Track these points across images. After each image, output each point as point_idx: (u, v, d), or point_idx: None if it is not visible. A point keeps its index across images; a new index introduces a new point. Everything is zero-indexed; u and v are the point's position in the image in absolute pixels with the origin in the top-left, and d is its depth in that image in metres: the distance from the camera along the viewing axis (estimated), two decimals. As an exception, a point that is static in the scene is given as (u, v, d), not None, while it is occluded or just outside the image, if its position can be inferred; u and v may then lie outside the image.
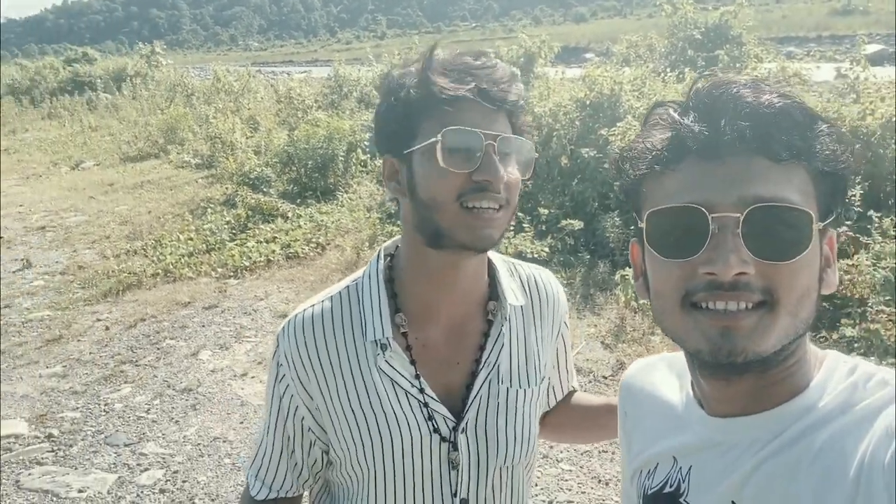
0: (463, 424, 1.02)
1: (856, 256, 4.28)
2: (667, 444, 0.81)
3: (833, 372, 0.70)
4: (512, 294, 1.07)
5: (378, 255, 1.07)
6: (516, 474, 1.09)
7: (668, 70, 8.79)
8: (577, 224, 5.54)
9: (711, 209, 0.65)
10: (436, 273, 1.01)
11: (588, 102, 6.69)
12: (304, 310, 1.05)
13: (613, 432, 1.02)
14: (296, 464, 1.09)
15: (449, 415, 1.02)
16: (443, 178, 0.93)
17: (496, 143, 0.93)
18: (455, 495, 1.03)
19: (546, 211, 5.87)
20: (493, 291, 1.08)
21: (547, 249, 5.47)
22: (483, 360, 1.04)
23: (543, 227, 5.80)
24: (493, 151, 0.92)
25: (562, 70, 9.03)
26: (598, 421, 1.20)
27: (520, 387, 1.06)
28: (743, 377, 0.69)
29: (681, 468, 0.78)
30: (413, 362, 1.01)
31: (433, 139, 0.93)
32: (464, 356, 1.05)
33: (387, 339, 1.00)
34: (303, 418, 1.04)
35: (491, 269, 1.08)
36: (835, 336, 4.00)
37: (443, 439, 1.01)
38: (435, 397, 1.01)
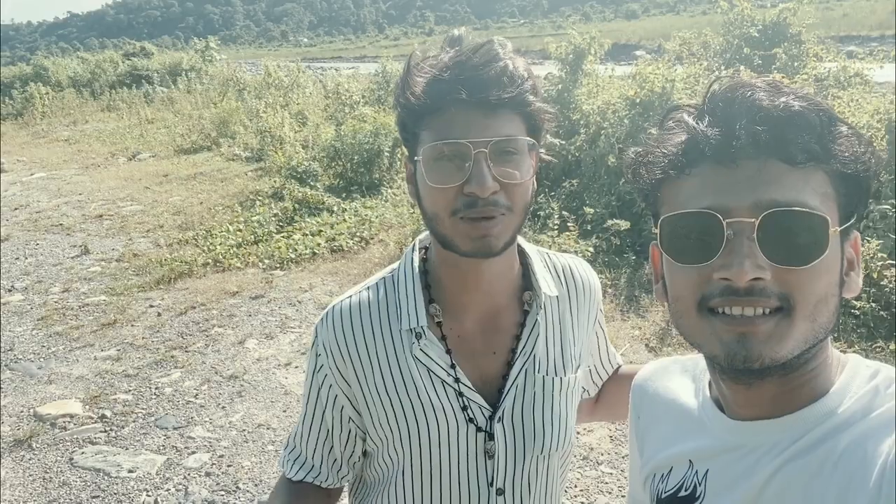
0: (499, 414, 1.02)
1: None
2: (682, 447, 0.80)
3: (854, 376, 0.70)
4: (546, 284, 1.06)
5: (413, 247, 1.08)
6: (552, 464, 1.08)
7: (723, 68, 8.57)
8: (624, 224, 5.44)
9: (726, 214, 0.64)
10: (460, 272, 1.01)
11: (638, 101, 6.57)
12: (342, 300, 1.06)
13: None
14: (335, 460, 1.09)
15: (484, 404, 1.01)
16: (434, 192, 0.91)
17: (487, 149, 0.87)
18: (491, 485, 1.03)
19: (592, 210, 5.79)
20: (528, 282, 1.07)
21: (592, 249, 5.40)
22: (519, 349, 1.04)
23: (589, 227, 5.73)
24: (485, 159, 0.87)
25: (611, 67, 8.86)
26: None
27: (556, 375, 1.06)
28: (763, 382, 0.68)
29: (696, 472, 0.77)
30: (448, 351, 1.01)
31: (417, 157, 0.91)
32: (500, 346, 1.04)
33: (421, 327, 1.00)
34: (342, 408, 1.05)
35: (524, 260, 1.08)
36: (892, 346, 3.85)
37: (478, 429, 1.01)
38: (470, 386, 1.01)
